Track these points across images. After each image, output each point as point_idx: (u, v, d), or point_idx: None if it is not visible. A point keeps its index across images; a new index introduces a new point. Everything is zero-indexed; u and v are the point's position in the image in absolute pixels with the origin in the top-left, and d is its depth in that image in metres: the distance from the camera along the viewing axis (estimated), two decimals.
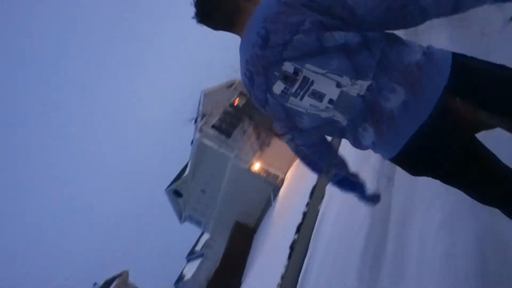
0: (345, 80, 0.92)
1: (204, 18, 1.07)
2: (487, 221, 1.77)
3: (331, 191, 6.38)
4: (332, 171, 1.27)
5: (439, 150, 0.93)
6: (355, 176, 1.28)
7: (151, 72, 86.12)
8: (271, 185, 17.32)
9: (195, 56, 78.12)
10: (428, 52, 0.91)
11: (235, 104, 19.55)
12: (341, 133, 1.07)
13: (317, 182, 8.63)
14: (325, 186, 6.97)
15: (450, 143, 0.91)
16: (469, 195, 1.02)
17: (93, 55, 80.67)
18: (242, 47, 1.06)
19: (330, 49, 0.91)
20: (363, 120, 0.96)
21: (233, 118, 18.89)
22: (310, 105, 0.99)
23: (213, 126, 18.30)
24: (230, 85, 20.18)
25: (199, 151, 18.36)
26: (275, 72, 0.98)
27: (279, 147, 15.07)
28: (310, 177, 9.09)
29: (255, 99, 1.11)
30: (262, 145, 17.55)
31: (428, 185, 2.28)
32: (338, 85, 0.93)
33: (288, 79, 0.97)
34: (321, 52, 0.92)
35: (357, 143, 1.04)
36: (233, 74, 18.43)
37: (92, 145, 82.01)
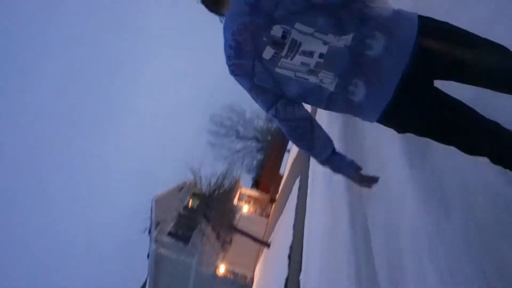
0: (330, 38, 1.01)
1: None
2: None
3: (305, 282, 6.13)
4: (320, 148, 1.24)
5: (423, 99, 1.04)
6: (342, 155, 1.27)
7: (95, 191, 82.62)
8: (241, 287, 16.20)
9: (142, 165, 77.64)
10: (398, 11, 1.06)
11: (189, 206, 19.10)
12: (328, 101, 1.09)
13: (288, 273, 8.28)
14: (298, 277, 6.71)
15: (431, 85, 1.05)
16: (456, 147, 1.09)
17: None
18: (228, 21, 1.10)
19: (317, 6, 0.99)
20: (353, 75, 1.02)
21: (188, 221, 18.24)
22: (301, 63, 1.03)
23: (169, 234, 17.38)
24: (181, 188, 19.96)
25: (158, 262, 16.99)
26: (264, 38, 1.02)
27: (242, 244, 14.56)
28: (281, 269, 8.72)
29: (241, 71, 1.10)
30: (224, 245, 16.84)
31: None
32: (325, 42, 1.01)
33: (277, 44, 1.01)
34: (309, 10, 0.99)
35: (348, 105, 1.07)
36: (182, 177, 18.59)
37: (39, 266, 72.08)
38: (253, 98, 1.18)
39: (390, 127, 1.14)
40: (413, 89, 1.03)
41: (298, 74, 1.05)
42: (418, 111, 1.05)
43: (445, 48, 1.03)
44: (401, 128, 1.14)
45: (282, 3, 1.00)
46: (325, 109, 1.14)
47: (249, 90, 1.15)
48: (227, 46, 1.09)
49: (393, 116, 1.06)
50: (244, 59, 1.07)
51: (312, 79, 1.05)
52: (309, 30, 1.01)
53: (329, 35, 1.01)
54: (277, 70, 1.05)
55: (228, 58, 1.11)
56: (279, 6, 1.00)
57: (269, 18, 1.01)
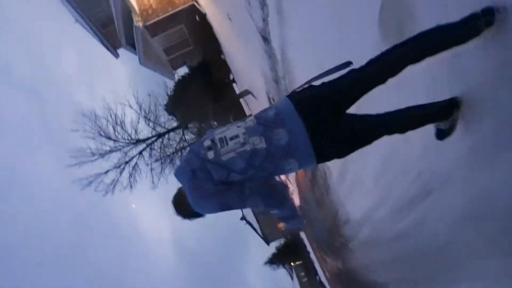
0: (243, 123, 1.56)
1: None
2: None
3: None
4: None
5: (332, 134, 1.50)
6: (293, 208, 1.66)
7: None
8: None
9: None
10: (275, 105, 1.58)
11: None
12: (268, 158, 1.47)
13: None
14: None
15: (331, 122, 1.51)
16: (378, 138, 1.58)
17: None
18: (180, 177, 1.64)
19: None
20: (272, 127, 1.47)
21: None
22: (235, 143, 1.48)
23: None
24: None
25: None
26: (202, 151, 1.52)
27: None
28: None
29: (200, 182, 1.52)
30: None
31: None
32: (239, 127, 1.53)
33: (211, 146, 1.51)
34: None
35: (283, 151, 1.47)
36: None
37: None
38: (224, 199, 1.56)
39: (329, 160, 1.60)
40: (322, 132, 1.48)
41: (237, 151, 1.47)
42: (336, 142, 1.51)
43: (315, 98, 1.53)
44: (337, 157, 1.57)
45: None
46: (274, 171, 1.53)
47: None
48: (187, 177, 1.57)
49: (324, 155, 1.53)
50: (199, 171, 1.52)
51: (247, 147, 1.46)
52: (225, 128, 1.57)
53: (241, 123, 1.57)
54: (223, 158, 1.48)
55: (190, 179, 1.55)
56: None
57: (199, 150, 1.54)
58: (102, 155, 15.96)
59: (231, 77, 18.57)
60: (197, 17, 14.27)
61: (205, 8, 13.63)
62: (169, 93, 16.34)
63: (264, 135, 1.46)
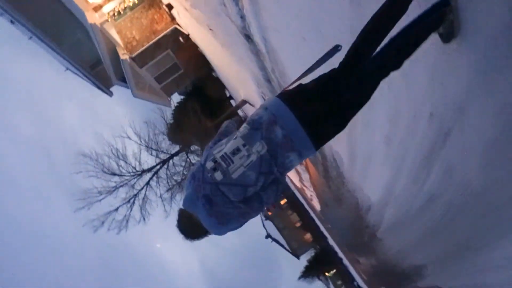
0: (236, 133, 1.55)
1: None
2: None
3: None
4: None
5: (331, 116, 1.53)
6: None
7: None
8: None
9: None
10: (264, 105, 1.56)
11: None
12: (271, 160, 1.46)
13: None
14: None
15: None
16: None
17: None
18: (191, 206, 1.55)
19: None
20: (268, 126, 1.45)
21: None
22: (240, 157, 1.44)
23: None
24: None
25: None
26: (207, 174, 1.46)
27: None
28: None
29: (219, 208, 1.46)
30: None
31: None
32: (236, 138, 1.48)
33: (216, 167, 1.45)
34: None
35: (276, 148, 1.45)
36: None
37: None
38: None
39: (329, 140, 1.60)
40: (316, 120, 1.48)
41: (245, 164, 1.43)
42: (331, 120, 1.52)
43: (304, 91, 1.55)
44: (336, 133, 1.57)
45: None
46: (278, 170, 1.48)
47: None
48: (202, 209, 1.50)
49: (322, 137, 1.55)
50: (215, 199, 1.47)
51: (253, 157, 1.43)
52: (223, 146, 1.51)
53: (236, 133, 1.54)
54: (233, 176, 1.44)
55: (206, 210, 1.48)
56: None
57: (204, 174, 1.49)
58: (109, 192, 15.81)
59: (227, 94, 18.52)
60: (181, 39, 14.28)
61: (186, 28, 13.64)
62: (167, 119, 16.31)
63: (264, 139, 1.44)
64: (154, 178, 16.20)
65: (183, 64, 15.92)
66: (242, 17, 5.90)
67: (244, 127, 1.51)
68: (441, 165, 2.33)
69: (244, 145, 1.44)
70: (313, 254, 41.66)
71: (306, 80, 1.63)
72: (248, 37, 6.40)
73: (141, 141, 16.27)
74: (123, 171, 16.02)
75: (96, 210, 15.62)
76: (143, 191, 16.17)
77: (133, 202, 15.92)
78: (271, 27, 4.68)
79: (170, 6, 11.93)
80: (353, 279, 27.70)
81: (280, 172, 1.48)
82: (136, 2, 13.75)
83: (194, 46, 14.77)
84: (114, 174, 15.83)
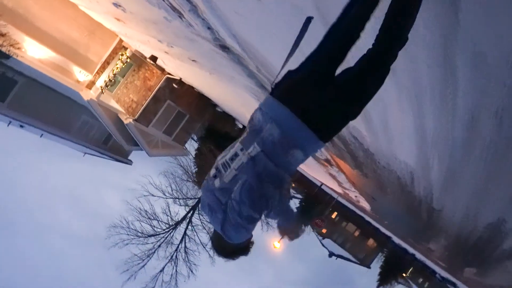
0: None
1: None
2: None
3: None
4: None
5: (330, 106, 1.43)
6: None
7: None
8: None
9: None
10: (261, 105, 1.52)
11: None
12: (267, 161, 1.38)
13: None
14: None
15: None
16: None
17: None
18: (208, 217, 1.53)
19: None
20: (262, 126, 1.42)
21: None
22: (236, 162, 1.41)
23: None
24: None
25: None
26: (210, 182, 1.48)
27: None
28: None
29: (222, 215, 1.43)
30: None
31: None
32: (237, 143, 1.48)
33: (216, 174, 1.46)
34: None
35: (274, 147, 1.38)
36: None
37: None
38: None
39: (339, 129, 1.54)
40: (313, 109, 1.38)
41: (236, 167, 1.40)
42: (333, 109, 1.41)
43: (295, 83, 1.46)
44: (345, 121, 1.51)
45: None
46: (281, 170, 1.40)
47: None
48: (209, 216, 1.51)
49: (326, 128, 1.44)
50: (215, 206, 1.48)
51: (244, 158, 1.40)
52: (224, 154, 1.50)
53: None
54: (225, 179, 1.43)
55: (210, 214, 1.51)
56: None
57: (208, 183, 1.51)
58: (149, 255, 15.49)
59: (239, 125, 18.37)
60: (175, 85, 14.35)
61: (176, 73, 13.71)
62: (185, 167, 16.17)
63: (256, 140, 1.39)
64: (189, 227, 15.79)
65: (186, 109, 15.95)
66: (209, 28, 5.62)
67: (246, 131, 1.49)
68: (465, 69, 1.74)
69: (241, 149, 1.41)
70: (383, 259, 39.43)
71: (293, 65, 1.50)
72: (224, 47, 6.09)
73: (165, 194, 16.14)
74: (157, 229, 15.78)
75: (142, 277, 15.26)
76: (182, 244, 15.75)
77: (176, 257, 15.49)
78: (230, 12, 4.30)
79: (154, 58, 12.03)
80: (433, 272, 25.54)
81: (284, 169, 1.40)
82: (124, 66, 14.03)
83: (190, 88, 14.81)
84: (149, 235, 15.58)
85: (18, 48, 11.86)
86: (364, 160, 6.27)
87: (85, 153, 21.23)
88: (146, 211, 15.68)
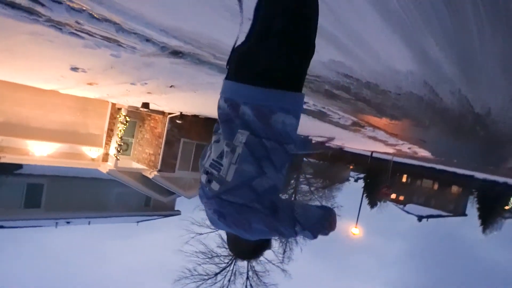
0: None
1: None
2: None
3: None
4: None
5: None
6: None
7: None
8: None
9: None
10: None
11: None
12: (261, 140, 1.33)
13: None
14: None
15: None
16: None
17: None
18: (214, 224, 1.47)
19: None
20: (234, 112, 1.37)
21: None
22: (226, 157, 1.32)
23: None
24: None
25: None
26: (205, 188, 1.41)
27: None
28: None
29: (233, 216, 1.33)
30: None
31: None
32: (216, 142, 1.43)
33: (210, 178, 1.38)
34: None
35: (256, 125, 1.33)
36: None
37: None
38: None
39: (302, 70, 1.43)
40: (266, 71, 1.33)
41: (234, 160, 1.31)
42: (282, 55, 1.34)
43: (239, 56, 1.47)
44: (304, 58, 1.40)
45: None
46: (283, 143, 1.35)
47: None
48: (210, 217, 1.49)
49: (295, 77, 1.40)
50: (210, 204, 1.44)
51: (239, 149, 1.31)
52: (210, 154, 1.45)
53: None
54: (227, 178, 1.33)
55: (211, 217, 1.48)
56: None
57: (203, 190, 1.45)
58: None
59: None
60: (179, 122, 14.13)
61: (173, 109, 13.48)
62: None
63: (235, 127, 1.33)
64: None
65: (201, 138, 15.67)
66: (147, 40, 5.12)
67: (216, 124, 1.49)
68: None
69: (226, 144, 1.33)
70: (475, 200, 36.46)
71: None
72: (176, 53, 5.56)
73: (211, 227, 15.73)
74: (221, 265, 15.31)
75: None
76: (250, 270, 15.12)
77: (251, 285, 14.85)
78: (146, 8, 3.75)
79: (145, 105, 11.87)
80: None
81: (279, 142, 1.31)
82: (126, 126, 14.05)
83: (193, 117, 14.56)
84: (215, 274, 15.14)
85: (26, 154, 12.22)
86: (376, 99, 5.37)
87: (137, 221, 21.56)
88: (202, 252, 15.39)
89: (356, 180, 42.12)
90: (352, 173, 43.82)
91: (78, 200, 15.97)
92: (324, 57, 3.74)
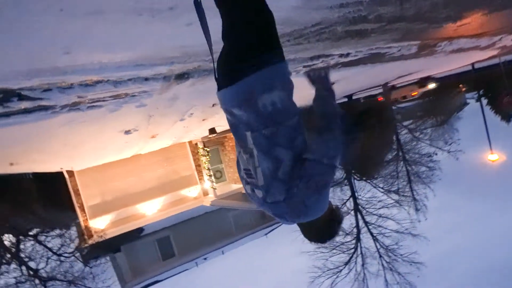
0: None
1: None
2: None
3: None
4: None
5: None
6: None
7: None
8: None
9: None
10: None
11: None
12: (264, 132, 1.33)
13: None
14: None
15: None
16: None
17: None
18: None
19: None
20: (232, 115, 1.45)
21: None
22: (250, 163, 1.38)
23: None
24: None
25: None
26: (254, 198, 1.45)
27: None
28: None
29: (290, 208, 1.35)
30: None
31: None
32: (239, 152, 1.50)
33: (252, 188, 1.45)
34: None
35: (253, 119, 1.34)
36: None
37: None
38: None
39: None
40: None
41: (256, 164, 1.36)
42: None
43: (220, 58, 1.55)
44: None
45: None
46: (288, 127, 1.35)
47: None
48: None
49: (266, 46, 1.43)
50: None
51: (254, 152, 1.37)
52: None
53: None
54: (259, 183, 1.39)
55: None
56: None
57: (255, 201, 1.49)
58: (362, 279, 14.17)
59: None
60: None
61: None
62: None
63: (243, 131, 1.36)
64: (369, 226, 13.98)
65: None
66: (146, 78, 4.99)
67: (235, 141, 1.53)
68: None
69: (244, 151, 1.39)
70: None
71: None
72: (179, 76, 5.33)
73: None
74: (348, 252, 14.47)
75: None
76: (378, 246, 13.89)
77: (386, 262, 13.59)
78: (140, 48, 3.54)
79: (212, 130, 12.08)
80: None
81: (278, 123, 1.29)
82: (209, 156, 14.51)
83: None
84: (346, 263, 14.38)
85: (141, 217, 13.52)
86: (409, 11, 4.27)
87: (265, 234, 22.15)
88: (323, 246, 14.75)
89: (477, 100, 36.81)
90: (467, 96, 38.42)
91: (203, 236, 17.03)
92: (292, 2, 3.01)
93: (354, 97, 22.51)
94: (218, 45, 1.46)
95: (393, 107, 21.45)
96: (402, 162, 16.52)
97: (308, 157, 1.29)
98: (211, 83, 5.96)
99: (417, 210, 15.48)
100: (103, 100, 5.43)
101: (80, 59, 3.15)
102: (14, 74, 3.31)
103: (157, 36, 3.05)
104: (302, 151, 1.32)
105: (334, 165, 1.31)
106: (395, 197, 15.05)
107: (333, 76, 9.71)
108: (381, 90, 18.12)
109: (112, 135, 8.16)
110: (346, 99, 22.36)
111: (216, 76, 1.46)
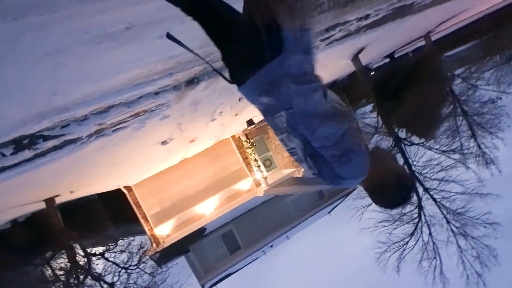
0: None
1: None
2: None
3: None
4: None
5: None
6: None
7: None
8: None
9: None
10: None
11: None
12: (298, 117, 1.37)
13: None
14: None
15: None
16: None
17: None
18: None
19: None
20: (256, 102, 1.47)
21: None
22: (291, 145, 1.45)
23: None
24: None
25: None
26: (309, 171, 1.45)
27: None
28: None
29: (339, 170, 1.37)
30: None
31: None
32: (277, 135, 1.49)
33: (305, 164, 1.43)
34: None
35: (277, 106, 1.40)
36: None
37: None
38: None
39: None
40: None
41: (297, 144, 1.42)
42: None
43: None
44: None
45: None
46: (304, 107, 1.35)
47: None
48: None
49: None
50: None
51: (287, 130, 1.45)
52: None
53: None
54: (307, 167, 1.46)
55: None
56: None
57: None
58: (433, 249, 13.23)
59: None
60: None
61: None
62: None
63: (272, 115, 1.40)
64: (429, 193, 12.85)
65: None
66: (157, 93, 4.96)
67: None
68: None
69: (280, 132, 1.44)
70: None
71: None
72: (189, 82, 5.22)
73: None
74: (412, 222, 13.53)
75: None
76: (443, 210, 12.73)
77: (454, 226, 12.43)
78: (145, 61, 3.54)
79: (250, 122, 11.96)
80: None
81: (297, 84, 1.29)
82: (254, 147, 14.46)
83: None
84: (411, 234, 13.48)
85: (201, 217, 13.94)
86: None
87: (329, 212, 21.81)
88: (384, 220, 14.02)
89: None
90: None
91: (265, 225, 17.17)
92: None
93: (397, 55, 20.93)
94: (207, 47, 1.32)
95: (442, 57, 19.57)
96: (461, 117, 15.05)
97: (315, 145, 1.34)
98: (223, 83, 5.75)
99: (487, 163, 14.07)
100: (125, 122, 5.52)
101: (71, 95, 3.15)
102: (20, 122, 3.41)
103: (133, 56, 2.95)
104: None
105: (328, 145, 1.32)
106: (456, 156, 13.80)
107: (361, 40, 9.00)
108: (423, 42, 16.59)
109: (150, 149, 8.39)
110: (388, 59, 20.87)
111: (228, 75, 1.52)
